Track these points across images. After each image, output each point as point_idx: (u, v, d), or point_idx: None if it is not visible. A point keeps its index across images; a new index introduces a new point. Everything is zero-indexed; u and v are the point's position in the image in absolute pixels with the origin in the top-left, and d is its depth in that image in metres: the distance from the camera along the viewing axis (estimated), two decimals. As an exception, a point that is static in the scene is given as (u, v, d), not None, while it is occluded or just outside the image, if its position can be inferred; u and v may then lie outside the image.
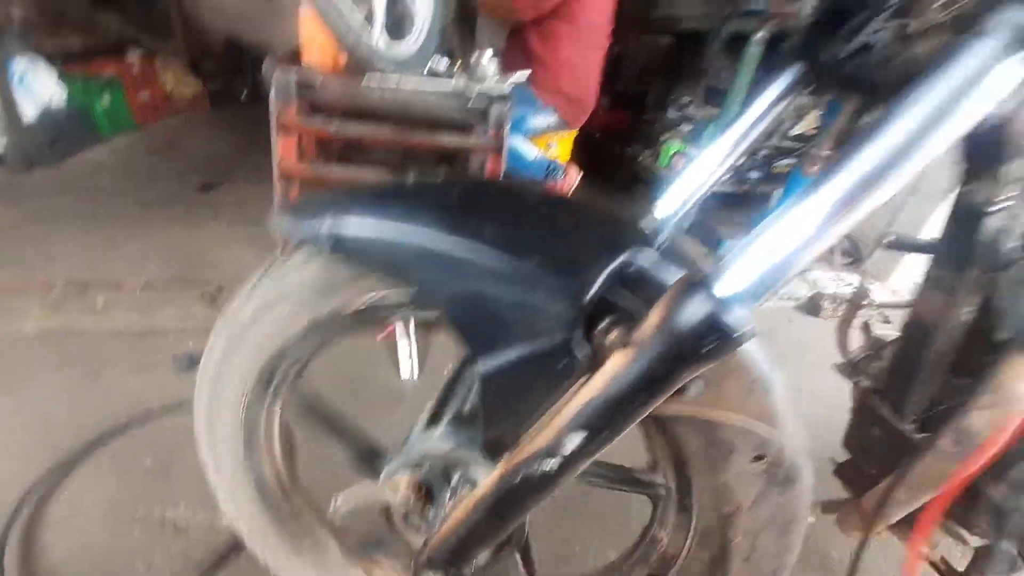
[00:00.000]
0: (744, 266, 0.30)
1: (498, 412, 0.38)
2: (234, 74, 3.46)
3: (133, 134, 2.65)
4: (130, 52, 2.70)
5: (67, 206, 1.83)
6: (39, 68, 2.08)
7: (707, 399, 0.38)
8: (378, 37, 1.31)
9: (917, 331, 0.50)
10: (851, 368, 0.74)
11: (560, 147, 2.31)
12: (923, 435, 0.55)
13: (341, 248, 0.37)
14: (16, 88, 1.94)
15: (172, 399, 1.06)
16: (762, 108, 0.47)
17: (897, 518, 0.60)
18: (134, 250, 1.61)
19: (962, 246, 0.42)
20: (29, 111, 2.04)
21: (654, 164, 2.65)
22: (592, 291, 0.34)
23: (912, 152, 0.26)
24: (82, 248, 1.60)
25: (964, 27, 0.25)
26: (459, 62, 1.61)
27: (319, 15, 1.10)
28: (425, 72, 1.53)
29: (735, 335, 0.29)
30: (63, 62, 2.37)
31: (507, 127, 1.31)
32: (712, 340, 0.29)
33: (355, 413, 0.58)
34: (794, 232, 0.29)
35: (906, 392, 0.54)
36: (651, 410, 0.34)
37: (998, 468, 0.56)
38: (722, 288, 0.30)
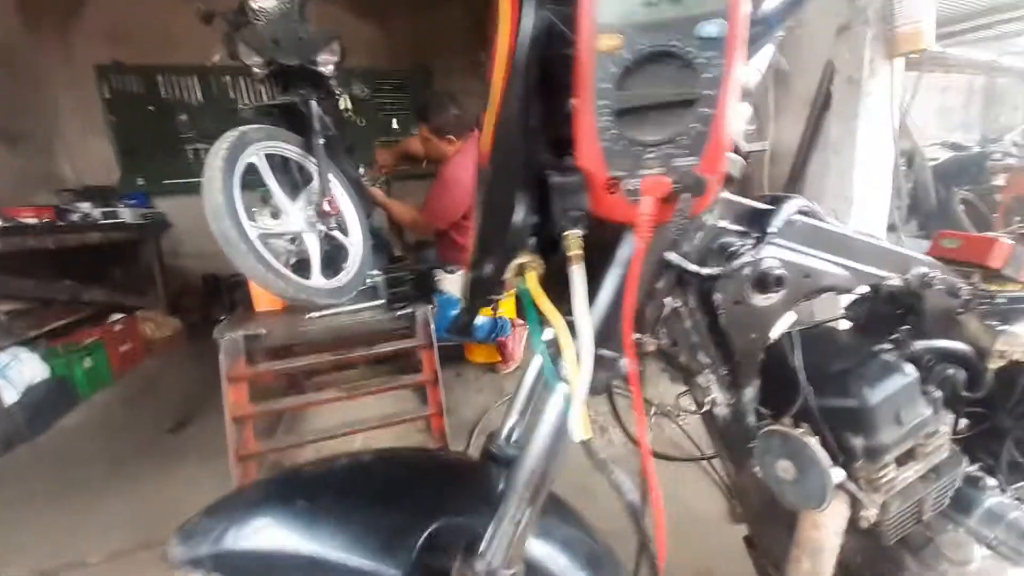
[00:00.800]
0: (500, 538, 0.40)
1: None
2: (211, 303, 3.81)
3: (111, 388, 2.79)
4: (112, 316, 2.99)
5: (39, 484, 1.87)
6: (23, 356, 2.28)
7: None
8: (315, 279, 1.56)
9: (736, 492, 0.59)
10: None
11: (504, 306, 2.53)
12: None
13: (218, 568, 0.47)
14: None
15: None
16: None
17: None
18: (101, 521, 1.62)
19: (712, 432, 0.53)
20: (10, 396, 2.18)
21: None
22: (409, 566, 0.43)
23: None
24: (50, 531, 1.60)
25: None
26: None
27: (259, 284, 1.33)
28: (365, 284, 1.77)
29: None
30: (48, 339, 2.61)
31: (433, 325, 1.50)
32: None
33: None
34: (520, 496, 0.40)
35: (761, 542, 0.61)
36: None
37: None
38: (489, 557, 0.40)
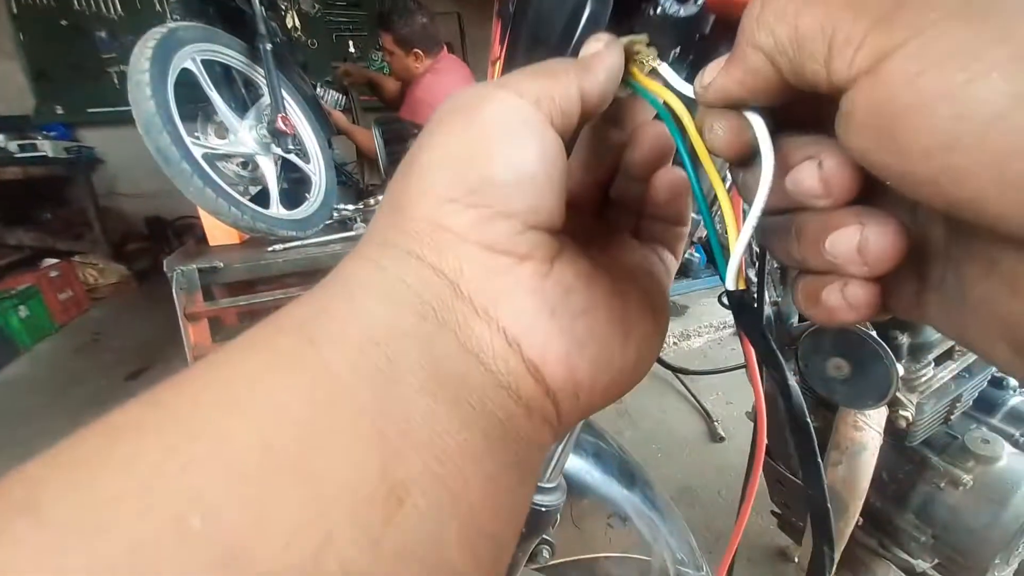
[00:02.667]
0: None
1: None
2: (160, 248, 3.51)
3: (55, 336, 2.58)
4: (45, 261, 2.71)
5: (-18, 439, 1.72)
6: (-56, 303, 2.04)
7: (573, 544, 0.40)
8: (275, 209, 1.40)
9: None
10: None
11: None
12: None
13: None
14: (-82, 331, 1.88)
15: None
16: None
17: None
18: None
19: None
20: (-65, 348, 1.96)
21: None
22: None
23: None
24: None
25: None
26: (361, 204, 1.73)
27: (208, 212, 1.17)
28: (334, 218, 1.63)
29: (544, 512, 0.32)
30: (-28, 287, 2.34)
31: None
32: (526, 521, 0.32)
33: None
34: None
35: (781, 450, 0.58)
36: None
37: (900, 498, 0.59)
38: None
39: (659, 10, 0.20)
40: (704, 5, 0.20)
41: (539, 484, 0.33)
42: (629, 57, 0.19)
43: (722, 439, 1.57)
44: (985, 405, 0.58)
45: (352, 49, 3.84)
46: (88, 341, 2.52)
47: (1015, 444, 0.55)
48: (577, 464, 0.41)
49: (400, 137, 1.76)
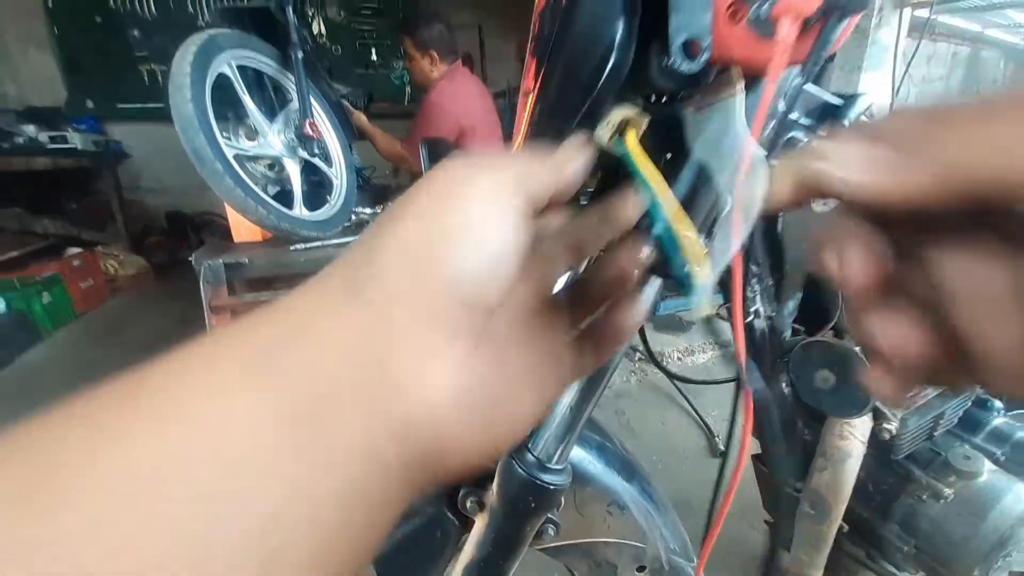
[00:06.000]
0: (551, 430, 0.38)
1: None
2: (178, 243, 3.60)
3: (75, 324, 2.65)
4: (69, 250, 2.80)
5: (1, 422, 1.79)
6: (-26, 286, 2.12)
7: (575, 528, 0.44)
8: (299, 210, 1.47)
9: (755, 410, 0.59)
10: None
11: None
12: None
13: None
14: (-51, 312, 1.96)
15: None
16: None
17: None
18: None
19: (747, 342, 0.52)
20: (-37, 329, 2.04)
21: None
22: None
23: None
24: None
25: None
26: (379, 208, 1.79)
27: (237, 210, 1.23)
28: (352, 221, 1.69)
29: (552, 490, 0.36)
30: (1, 271, 2.43)
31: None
32: (535, 498, 0.36)
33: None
34: (573, 395, 0.38)
35: (771, 454, 0.62)
36: (519, 559, 0.40)
37: (885, 508, 0.62)
38: (537, 451, 0.38)
39: (669, 63, 0.25)
40: (708, 61, 0.25)
41: (548, 466, 0.37)
42: (631, 123, 0.24)
43: (722, 454, 1.59)
44: (970, 424, 0.62)
45: (374, 56, 3.94)
46: (107, 331, 2.60)
47: (997, 463, 0.58)
48: (582, 455, 0.45)
49: (445, 156, 1.81)
